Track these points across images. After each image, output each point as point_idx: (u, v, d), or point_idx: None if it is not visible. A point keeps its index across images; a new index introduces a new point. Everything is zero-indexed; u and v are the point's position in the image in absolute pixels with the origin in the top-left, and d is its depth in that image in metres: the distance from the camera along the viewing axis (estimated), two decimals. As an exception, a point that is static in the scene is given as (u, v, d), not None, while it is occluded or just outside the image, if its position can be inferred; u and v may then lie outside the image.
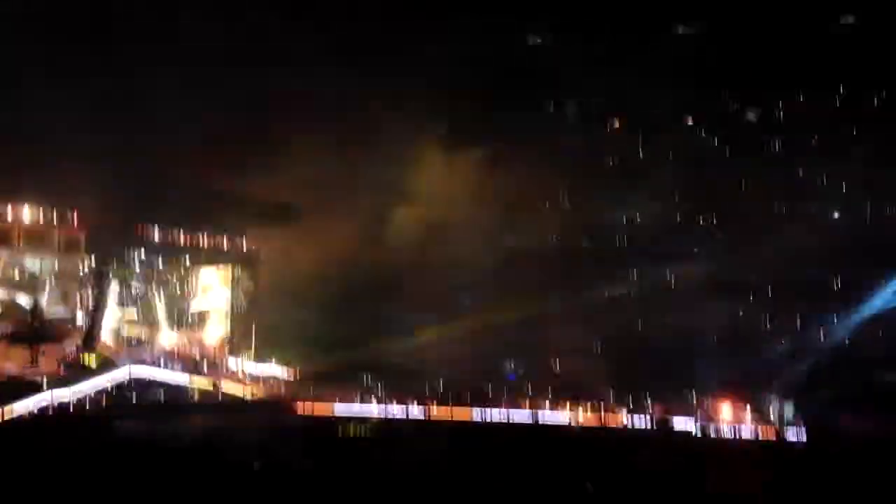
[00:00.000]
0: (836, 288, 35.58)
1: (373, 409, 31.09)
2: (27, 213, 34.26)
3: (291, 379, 34.17)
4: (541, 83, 36.65)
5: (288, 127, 32.85)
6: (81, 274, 35.06)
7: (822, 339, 34.99)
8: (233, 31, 32.51)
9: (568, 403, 31.59)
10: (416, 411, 30.82)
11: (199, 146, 32.63)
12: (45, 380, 29.69)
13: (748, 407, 31.18)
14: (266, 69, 32.45)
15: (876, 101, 35.50)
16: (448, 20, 32.83)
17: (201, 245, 36.48)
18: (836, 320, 35.28)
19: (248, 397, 32.52)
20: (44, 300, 34.07)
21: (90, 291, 35.03)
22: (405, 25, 33.09)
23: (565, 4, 34.39)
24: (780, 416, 30.82)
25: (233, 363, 35.20)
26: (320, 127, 32.44)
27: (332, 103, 32.52)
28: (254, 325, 36.66)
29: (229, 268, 37.12)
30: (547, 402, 31.72)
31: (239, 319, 37.00)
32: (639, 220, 38.29)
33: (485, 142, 35.42)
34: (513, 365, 35.51)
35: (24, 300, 33.84)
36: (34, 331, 32.61)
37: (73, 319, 34.66)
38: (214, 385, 32.82)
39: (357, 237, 34.61)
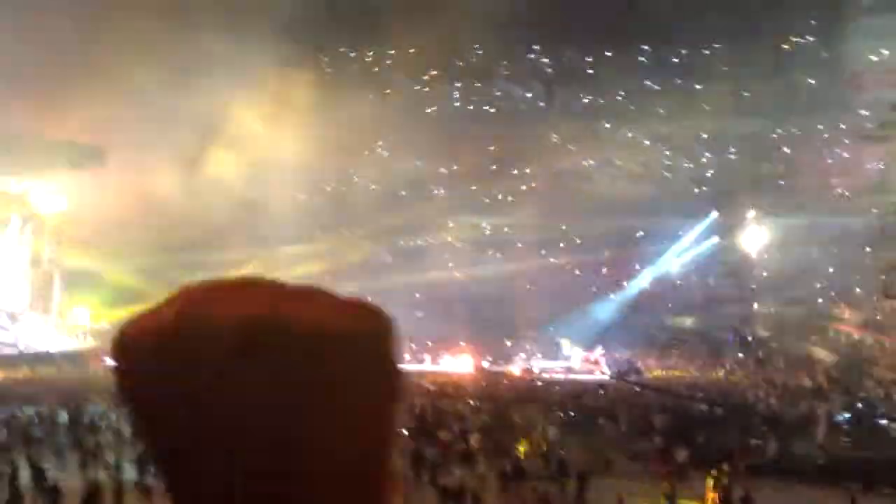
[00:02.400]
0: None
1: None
2: None
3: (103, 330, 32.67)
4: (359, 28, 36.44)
5: (89, 58, 30.28)
6: None
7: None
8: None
9: None
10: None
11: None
12: None
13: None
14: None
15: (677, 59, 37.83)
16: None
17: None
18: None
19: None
20: None
21: None
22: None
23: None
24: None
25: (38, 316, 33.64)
26: (125, 58, 30.09)
27: (136, 30, 29.93)
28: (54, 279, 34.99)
29: (23, 218, 35.16)
30: None
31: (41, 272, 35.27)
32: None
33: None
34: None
35: None
36: None
37: None
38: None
39: (170, 180, 32.86)
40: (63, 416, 17.91)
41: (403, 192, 39.82)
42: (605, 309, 36.90)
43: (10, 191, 34.71)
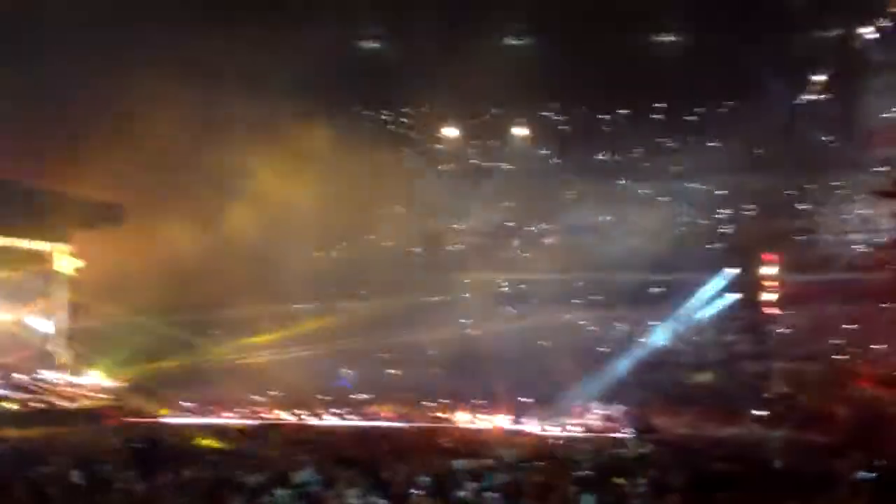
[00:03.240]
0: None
1: (209, 420, 30.36)
2: None
3: (119, 389, 32.67)
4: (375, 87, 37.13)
5: (106, 118, 30.94)
6: None
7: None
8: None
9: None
10: (253, 419, 30.58)
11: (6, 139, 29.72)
12: None
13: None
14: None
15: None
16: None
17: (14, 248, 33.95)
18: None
19: (73, 408, 30.89)
20: None
21: None
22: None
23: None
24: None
25: (55, 376, 33.56)
26: (140, 116, 30.63)
27: (151, 89, 30.23)
28: (76, 335, 35.03)
29: (47, 273, 35.15)
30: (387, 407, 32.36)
31: (59, 329, 35.33)
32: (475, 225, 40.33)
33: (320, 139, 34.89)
34: (349, 371, 35.52)
35: None
36: None
37: None
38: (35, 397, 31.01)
39: (187, 237, 33.13)
40: (76, 476, 17.84)
41: (417, 249, 40.05)
42: (622, 366, 36.65)
43: (34, 248, 34.89)
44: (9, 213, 31.79)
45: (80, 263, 35.19)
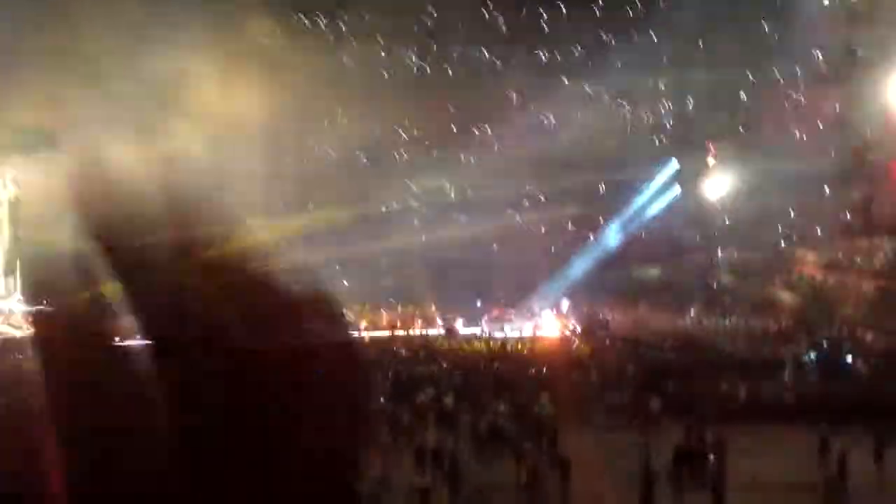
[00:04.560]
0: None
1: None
2: None
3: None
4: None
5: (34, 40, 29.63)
6: None
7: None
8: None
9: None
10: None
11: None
12: None
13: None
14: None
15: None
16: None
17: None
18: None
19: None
20: None
21: None
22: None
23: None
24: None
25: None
26: (72, 32, 29.45)
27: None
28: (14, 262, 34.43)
29: None
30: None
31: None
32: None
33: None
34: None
35: None
36: None
37: None
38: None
39: (127, 157, 32.32)
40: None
41: (364, 159, 39.61)
42: (572, 265, 37.09)
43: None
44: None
45: (15, 189, 34.37)
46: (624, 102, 39.51)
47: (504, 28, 39.13)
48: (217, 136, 33.32)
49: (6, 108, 30.89)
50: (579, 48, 38.89)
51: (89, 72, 30.64)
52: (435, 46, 39.60)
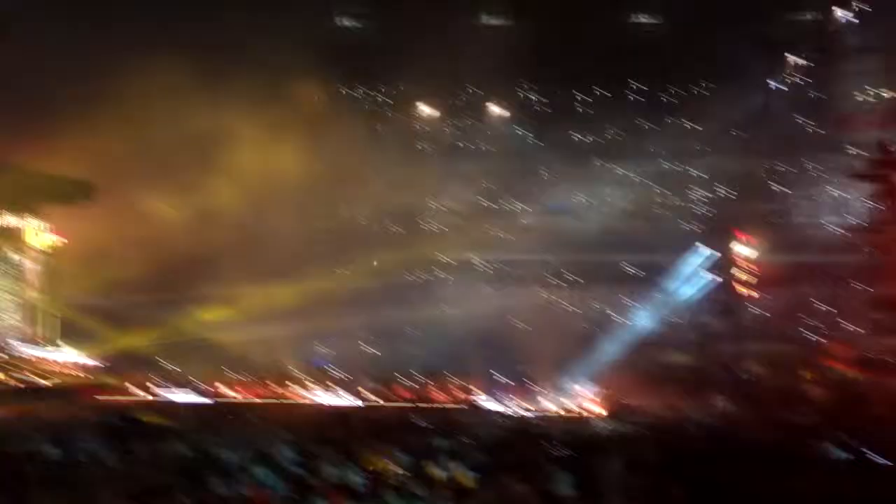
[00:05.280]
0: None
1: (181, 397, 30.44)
2: None
3: (94, 366, 32.55)
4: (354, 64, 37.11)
5: (77, 93, 30.37)
6: None
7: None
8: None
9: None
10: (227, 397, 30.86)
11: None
12: None
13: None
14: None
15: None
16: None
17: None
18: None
19: (47, 385, 30.99)
20: None
21: None
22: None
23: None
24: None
25: (30, 351, 33.57)
26: (113, 89, 30.02)
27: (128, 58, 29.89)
28: (50, 312, 34.84)
29: (19, 249, 35.09)
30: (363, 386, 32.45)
31: (32, 306, 35.20)
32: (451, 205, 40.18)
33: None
34: (326, 349, 35.58)
35: None
36: None
37: None
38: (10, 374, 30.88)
39: (161, 211, 32.89)
40: (53, 452, 17.72)
41: (396, 229, 39.91)
42: (599, 347, 36.80)
43: (6, 225, 34.57)
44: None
45: (52, 239, 34.90)
46: (657, 187, 39.78)
47: (541, 108, 39.77)
48: (254, 194, 33.84)
49: (45, 156, 31.57)
50: (615, 132, 39.38)
51: (132, 125, 31.37)
52: (470, 122, 40.28)
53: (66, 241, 34.69)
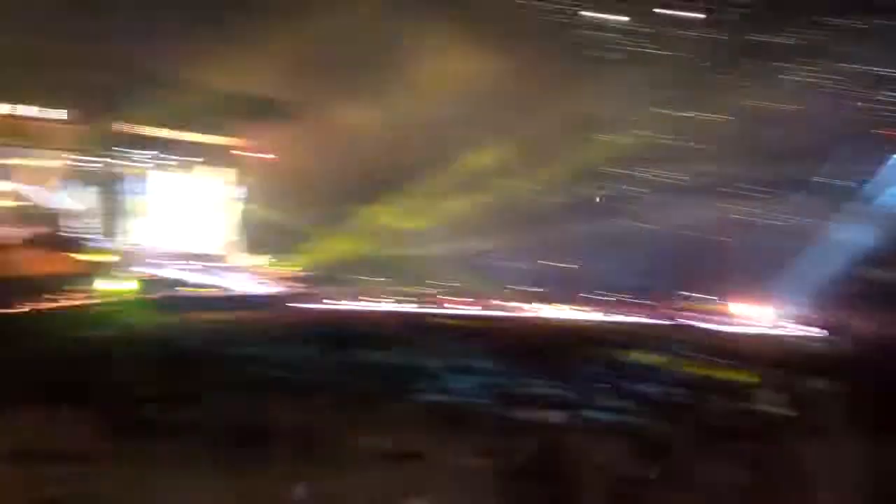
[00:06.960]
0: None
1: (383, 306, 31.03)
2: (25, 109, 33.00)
3: (301, 277, 33.91)
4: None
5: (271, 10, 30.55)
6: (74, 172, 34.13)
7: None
8: None
9: None
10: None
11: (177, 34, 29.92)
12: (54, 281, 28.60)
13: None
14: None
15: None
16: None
17: (194, 144, 35.81)
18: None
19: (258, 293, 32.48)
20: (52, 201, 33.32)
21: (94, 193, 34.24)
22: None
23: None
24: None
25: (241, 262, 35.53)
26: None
27: None
28: (257, 226, 36.51)
29: (227, 168, 36.87)
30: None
31: (241, 220, 37.06)
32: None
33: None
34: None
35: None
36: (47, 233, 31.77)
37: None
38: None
39: (362, 128, 33.18)
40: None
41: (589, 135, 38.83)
42: (806, 262, 34.87)
43: (215, 142, 36.26)
44: (185, 110, 33.07)
45: (258, 156, 36.53)
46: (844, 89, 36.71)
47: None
48: (444, 102, 33.63)
49: (240, 76, 32.61)
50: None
51: (320, 41, 31.76)
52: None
53: (274, 157, 36.04)
